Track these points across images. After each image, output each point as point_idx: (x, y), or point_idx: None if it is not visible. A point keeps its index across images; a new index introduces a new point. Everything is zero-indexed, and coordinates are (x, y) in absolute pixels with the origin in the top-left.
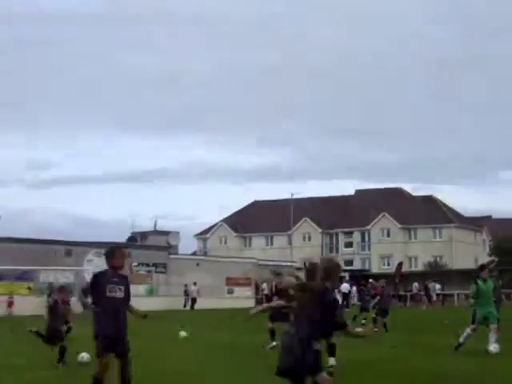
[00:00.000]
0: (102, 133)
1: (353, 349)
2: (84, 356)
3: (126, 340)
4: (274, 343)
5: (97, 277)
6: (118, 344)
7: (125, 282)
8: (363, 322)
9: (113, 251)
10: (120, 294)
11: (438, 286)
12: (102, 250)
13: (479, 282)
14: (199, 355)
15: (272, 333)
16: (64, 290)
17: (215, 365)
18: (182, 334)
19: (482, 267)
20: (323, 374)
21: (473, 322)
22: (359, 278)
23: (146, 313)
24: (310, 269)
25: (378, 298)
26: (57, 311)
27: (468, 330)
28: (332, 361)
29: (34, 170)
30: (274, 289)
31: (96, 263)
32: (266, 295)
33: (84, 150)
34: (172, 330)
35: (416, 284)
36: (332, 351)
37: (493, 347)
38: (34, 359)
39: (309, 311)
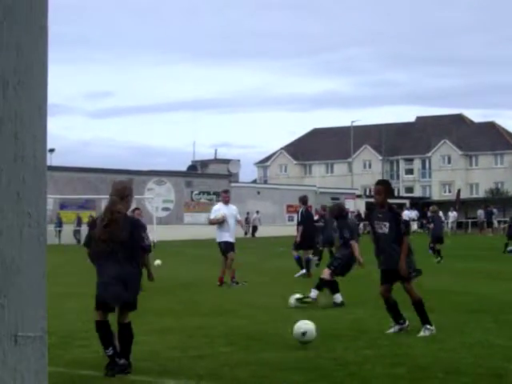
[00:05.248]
0: (162, 61)
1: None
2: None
3: None
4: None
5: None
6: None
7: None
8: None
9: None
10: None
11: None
12: (163, 179)
13: None
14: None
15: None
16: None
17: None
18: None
19: None
20: None
21: None
22: (420, 205)
23: None
24: None
25: (432, 225)
26: None
27: None
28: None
29: (94, 100)
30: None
31: (157, 191)
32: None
33: (143, 78)
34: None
35: (481, 211)
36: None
37: None
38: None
39: None
